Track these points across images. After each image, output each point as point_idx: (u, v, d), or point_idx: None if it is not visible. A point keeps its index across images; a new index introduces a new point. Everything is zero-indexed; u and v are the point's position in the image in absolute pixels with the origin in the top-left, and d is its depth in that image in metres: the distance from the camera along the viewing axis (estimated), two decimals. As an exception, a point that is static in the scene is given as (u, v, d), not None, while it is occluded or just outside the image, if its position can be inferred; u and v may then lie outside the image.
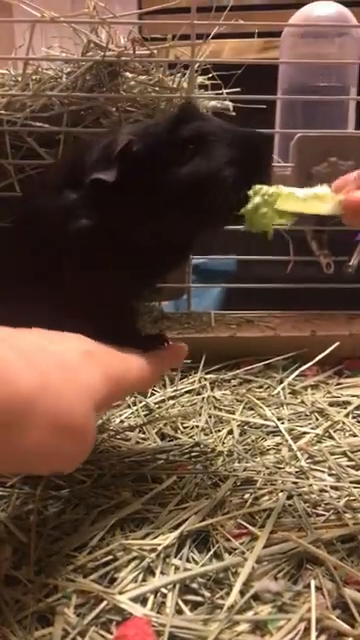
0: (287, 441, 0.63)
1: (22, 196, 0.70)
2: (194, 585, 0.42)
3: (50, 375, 0.37)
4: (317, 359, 0.81)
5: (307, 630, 0.38)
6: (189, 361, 0.82)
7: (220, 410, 0.72)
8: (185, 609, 0.40)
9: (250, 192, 0.44)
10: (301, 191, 0.45)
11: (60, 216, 0.49)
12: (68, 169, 0.53)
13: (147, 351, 0.50)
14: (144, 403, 0.74)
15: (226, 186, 0.45)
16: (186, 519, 0.49)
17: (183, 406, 0.73)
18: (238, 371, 0.82)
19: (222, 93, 0.88)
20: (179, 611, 0.40)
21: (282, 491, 0.53)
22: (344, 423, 0.68)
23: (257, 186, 0.45)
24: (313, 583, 0.42)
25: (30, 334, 0.43)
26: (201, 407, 0.72)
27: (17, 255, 0.55)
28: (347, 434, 0.66)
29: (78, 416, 0.38)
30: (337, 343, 0.82)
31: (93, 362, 0.42)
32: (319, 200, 0.44)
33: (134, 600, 0.41)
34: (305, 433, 0.65)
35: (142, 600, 0.41)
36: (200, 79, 0.87)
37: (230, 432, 0.66)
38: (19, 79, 0.83)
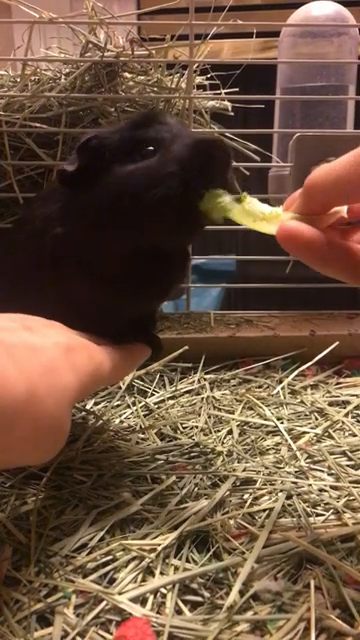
0: (287, 441, 0.63)
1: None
2: (194, 585, 0.42)
3: (37, 381, 0.39)
4: (316, 359, 0.81)
5: (307, 630, 0.38)
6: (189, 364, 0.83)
7: (219, 410, 0.72)
8: (185, 609, 0.40)
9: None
10: (259, 205, 0.44)
11: (42, 222, 0.50)
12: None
13: (120, 344, 0.51)
14: (143, 403, 0.74)
15: (173, 183, 0.44)
16: (185, 519, 0.49)
17: (183, 406, 0.73)
18: (237, 371, 0.82)
19: (221, 93, 0.88)
20: (179, 611, 0.40)
21: (282, 491, 0.53)
22: (343, 423, 0.68)
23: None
24: (313, 583, 0.42)
25: (13, 322, 0.44)
26: (200, 407, 0.72)
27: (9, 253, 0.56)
28: (347, 434, 0.66)
29: (57, 419, 0.40)
30: (336, 343, 0.82)
31: (72, 359, 0.43)
32: (267, 221, 0.43)
33: (134, 600, 0.41)
34: (304, 433, 0.65)
35: (142, 600, 0.41)
36: (199, 79, 0.88)
37: (229, 432, 0.66)
38: (18, 80, 0.83)
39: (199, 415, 0.70)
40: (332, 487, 0.54)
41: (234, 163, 0.90)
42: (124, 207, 0.45)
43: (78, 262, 0.48)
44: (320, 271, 0.41)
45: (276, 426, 0.67)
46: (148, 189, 0.44)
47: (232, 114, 0.88)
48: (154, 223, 0.45)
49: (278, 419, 0.68)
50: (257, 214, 0.43)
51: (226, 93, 0.88)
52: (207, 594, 0.41)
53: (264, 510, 0.51)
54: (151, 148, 0.46)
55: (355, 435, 0.65)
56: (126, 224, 0.46)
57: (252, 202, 0.44)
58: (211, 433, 0.66)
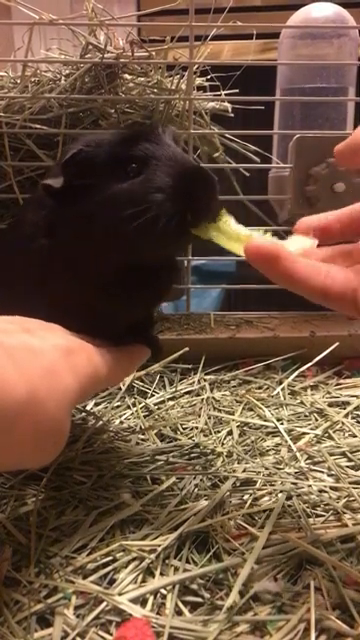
0: (286, 442, 0.63)
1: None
2: (194, 586, 0.42)
3: (37, 383, 0.39)
4: (316, 360, 0.81)
5: (307, 631, 0.38)
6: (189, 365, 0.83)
7: (219, 411, 0.72)
8: (185, 610, 0.40)
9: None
10: (235, 226, 0.45)
11: (30, 229, 0.51)
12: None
13: (118, 345, 0.51)
14: (143, 404, 0.74)
15: (152, 211, 0.44)
16: (185, 520, 0.49)
17: (183, 407, 0.73)
18: (237, 372, 0.82)
19: (221, 94, 0.88)
20: (179, 612, 0.40)
21: (281, 492, 0.53)
22: (343, 423, 0.68)
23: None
24: (312, 584, 0.42)
25: (12, 324, 0.44)
26: (200, 408, 0.72)
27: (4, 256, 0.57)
28: (346, 434, 0.66)
29: (57, 421, 0.40)
30: (336, 344, 0.82)
31: (72, 361, 0.43)
32: (240, 243, 0.43)
33: (134, 601, 0.41)
34: (304, 434, 0.65)
35: (142, 601, 0.41)
36: (199, 80, 0.88)
37: (229, 433, 0.66)
38: (18, 81, 0.83)
39: (199, 416, 0.70)
40: (332, 488, 0.54)
41: (234, 164, 0.91)
42: (107, 225, 0.46)
43: (65, 270, 0.49)
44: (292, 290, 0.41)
45: (276, 427, 0.67)
46: (131, 214, 0.44)
47: (232, 115, 0.88)
48: (134, 244, 0.46)
49: (278, 420, 0.68)
50: (232, 234, 0.44)
51: (226, 94, 0.88)
52: (207, 595, 0.41)
53: (264, 511, 0.51)
54: (134, 165, 0.46)
55: (355, 436, 0.65)
56: (109, 242, 0.46)
57: (229, 221, 0.45)
58: (211, 434, 0.66)
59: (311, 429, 0.66)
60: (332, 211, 0.45)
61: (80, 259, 0.48)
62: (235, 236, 0.44)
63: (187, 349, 0.81)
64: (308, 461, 0.60)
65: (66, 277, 0.49)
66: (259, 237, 0.42)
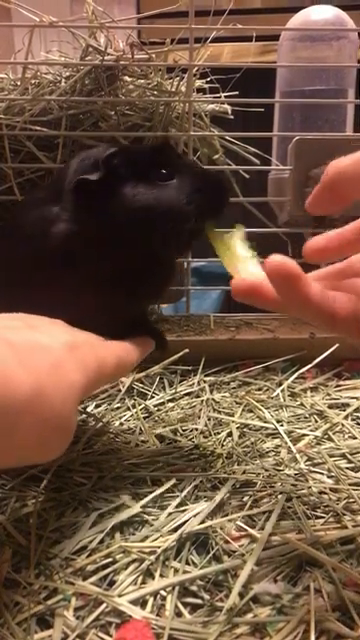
0: (286, 443, 0.63)
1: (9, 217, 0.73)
2: (193, 587, 0.42)
3: (43, 379, 0.39)
4: (316, 361, 0.81)
5: (306, 632, 0.38)
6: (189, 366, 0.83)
7: (219, 412, 0.72)
8: (184, 611, 0.40)
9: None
10: (240, 245, 0.46)
11: (42, 225, 0.52)
12: (47, 190, 0.57)
13: (122, 339, 0.51)
14: (143, 406, 0.74)
15: (184, 217, 0.49)
16: (185, 521, 0.49)
17: (182, 409, 0.73)
18: (237, 373, 0.82)
19: (220, 96, 0.88)
20: (178, 614, 0.40)
21: (281, 493, 0.53)
22: (343, 425, 0.68)
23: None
24: (312, 585, 0.42)
25: (17, 321, 0.44)
26: (200, 410, 0.72)
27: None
28: (346, 436, 0.66)
29: (63, 417, 0.40)
30: (336, 345, 0.82)
31: (77, 356, 0.43)
32: (237, 260, 0.45)
33: (133, 603, 0.41)
34: (304, 435, 0.65)
35: (141, 602, 0.41)
36: (198, 83, 0.88)
37: (229, 434, 0.66)
38: (18, 83, 0.83)
39: (199, 417, 0.70)
40: (332, 489, 0.54)
41: (234, 166, 0.91)
42: (137, 224, 0.49)
43: (78, 262, 0.50)
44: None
45: (276, 428, 0.67)
46: (163, 215, 0.49)
47: (232, 117, 0.89)
48: (159, 243, 0.50)
49: (278, 421, 0.68)
50: (239, 255, 0.46)
51: (226, 96, 0.88)
52: (207, 596, 0.41)
53: (264, 512, 0.51)
54: (164, 171, 0.50)
55: (355, 437, 0.65)
56: (135, 239, 0.50)
57: (240, 238, 0.47)
58: (211, 435, 0.66)
59: (311, 431, 0.66)
60: (337, 230, 0.44)
61: (91, 254, 0.50)
62: (238, 256, 0.46)
63: (187, 350, 0.81)
64: (308, 463, 0.60)
65: (74, 268, 0.50)
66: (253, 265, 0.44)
